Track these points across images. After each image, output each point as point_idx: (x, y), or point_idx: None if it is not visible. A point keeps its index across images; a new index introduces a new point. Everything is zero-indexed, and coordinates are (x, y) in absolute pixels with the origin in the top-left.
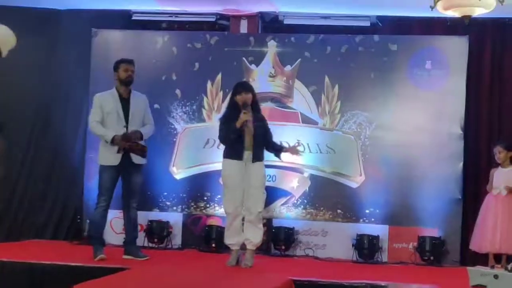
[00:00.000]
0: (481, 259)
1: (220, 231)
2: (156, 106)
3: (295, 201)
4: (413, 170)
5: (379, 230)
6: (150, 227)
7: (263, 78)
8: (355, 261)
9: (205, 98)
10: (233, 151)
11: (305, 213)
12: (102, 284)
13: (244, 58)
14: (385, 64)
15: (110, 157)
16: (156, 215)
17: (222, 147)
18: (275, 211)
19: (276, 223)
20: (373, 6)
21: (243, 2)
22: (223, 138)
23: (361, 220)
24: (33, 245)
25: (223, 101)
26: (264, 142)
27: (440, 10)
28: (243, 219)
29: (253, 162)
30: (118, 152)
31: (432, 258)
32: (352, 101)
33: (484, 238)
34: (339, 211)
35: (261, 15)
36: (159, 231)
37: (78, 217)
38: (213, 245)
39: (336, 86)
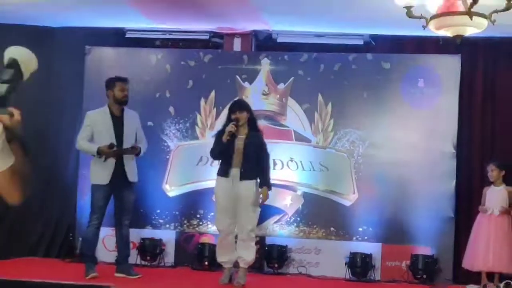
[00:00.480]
0: (473, 277)
1: (213, 249)
2: (149, 123)
3: (288, 219)
4: (406, 188)
5: (372, 248)
6: (143, 245)
7: (256, 96)
8: (348, 279)
9: (198, 116)
10: (221, 168)
11: (298, 231)
12: None
13: (237, 76)
14: (378, 82)
15: (102, 175)
16: (148, 232)
17: (215, 164)
18: (268, 228)
19: (269, 241)
20: (366, 25)
21: (237, 20)
22: (210, 152)
23: (354, 238)
24: (26, 263)
25: (216, 118)
26: (257, 160)
27: (433, 30)
28: (236, 237)
29: (241, 180)
30: (105, 160)
31: (425, 276)
32: (345, 119)
33: (477, 257)
34: (332, 229)
35: (255, 33)
36: (151, 248)
37: (71, 234)
38: (206, 263)
39: (329, 104)
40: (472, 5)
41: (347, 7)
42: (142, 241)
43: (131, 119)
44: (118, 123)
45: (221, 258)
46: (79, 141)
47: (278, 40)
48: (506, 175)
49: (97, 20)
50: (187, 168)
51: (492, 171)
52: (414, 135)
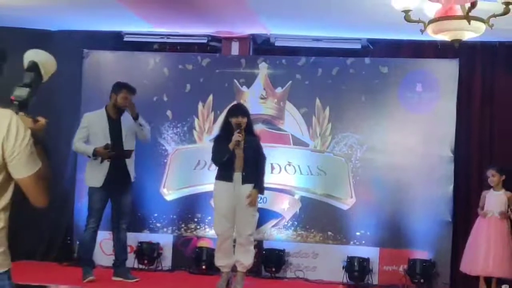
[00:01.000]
0: (471, 281)
1: (211, 253)
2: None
3: (286, 223)
4: (404, 193)
5: (370, 252)
6: (140, 249)
7: (254, 100)
8: (345, 283)
9: (196, 120)
10: (223, 173)
11: (296, 235)
12: None
13: (235, 80)
14: (376, 86)
15: (96, 178)
16: (146, 236)
17: (213, 168)
18: (266, 233)
19: (266, 245)
20: (364, 29)
21: (235, 24)
22: (215, 159)
23: (352, 242)
24: (23, 267)
25: (214, 122)
26: (255, 164)
27: (431, 34)
28: (234, 241)
29: (243, 184)
30: (102, 162)
31: (422, 280)
32: (343, 123)
33: (476, 261)
34: (329, 233)
35: (253, 37)
36: (149, 252)
37: (68, 238)
38: (204, 267)
39: (327, 108)
40: (470, 9)
41: (345, 11)
42: (139, 244)
43: (129, 121)
44: (114, 125)
45: (219, 262)
46: (75, 143)
47: (276, 44)
48: (506, 180)
49: (95, 24)
50: (185, 172)
51: (493, 176)
52: (412, 139)
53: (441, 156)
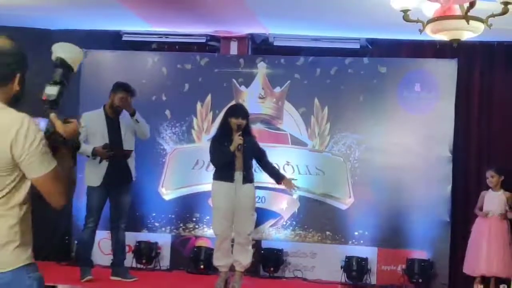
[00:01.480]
0: (469, 282)
1: (209, 252)
2: None
3: (284, 223)
4: (402, 193)
5: (368, 252)
6: (139, 248)
7: (252, 99)
8: (343, 283)
9: (194, 119)
10: (223, 173)
11: (294, 235)
12: None
13: (234, 80)
14: (374, 86)
15: (95, 177)
16: (144, 236)
17: (211, 168)
18: (264, 232)
19: (265, 244)
20: (363, 29)
21: (233, 23)
22: (215, 161)
23: (350, 242)
24: None
25: (212, 122)
26: (258, 163)
27: (429, 34)
28: (232, 241)
29: (243, 183)
30: (100, 162)
31: (420, 280)
32: (342, 123)
33: (478, 262)
34: (328, 233)
35: (251, 36)
36: (147, 252)
37: (66, 237)
38: (202, 266)
39: (326, 108)
40: (468, 9)
41: (343, 11)
42: (137, 244)
43: (127, 120)
44: (113, 125)
45: (217, 262)
46: None
47: (275, 44)
48: (504, 180)
49: (94, 23)
50: (183, 171)
51: (492, 177)
52: (410, 139)
53: (440, 156)
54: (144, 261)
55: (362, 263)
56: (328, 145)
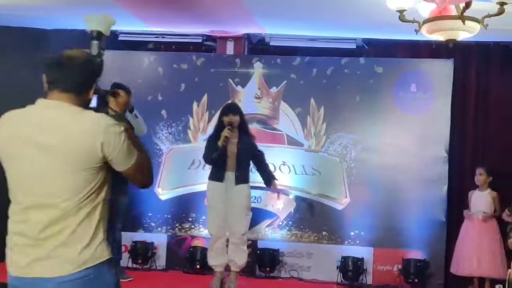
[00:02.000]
0: (464, 281)
1: (205, 252)
2: None
3: (280, 223)
4: (398, 193)
5: (364, 252)
6: (135, 248)
7: (249, 99)
8: (339, 283)
9: (191, 119)
10: (214, 173)
11: (290, 235)
12: None
13: (230, 80)
14: (370, 86)
15: None
16: (140, 235)
17: (207, 168)
18: (260, 232)
19: (261, 244)
20: (359, 29)
21: (230, 23)
22: (205, 157)
23: (346, 242)
24: None
25: (209, 122)
26: (253, 163)
27: (425, 34)
28: (228, 241)
29: (236, 184)
30: None
31: (416, 280)
32: (338, 123)
33: (462, 261)
34: (324, 233)
35: (248, 36)
36: (143, 252)
37: None
38: (198, 266)
39: (322, 108)
40: (464, 9)
41: (340, 11)
42: (133, 244)
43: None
44: None
45: (212, 261)
46: None
47: (271, 44)
48: (493, 181)
49: None
50: (179, 171)
51: (481, 175)
52: (406, 140)
53: (436, 156)
54: (140, 261)
55: (358, 263)
56: (324, 145)
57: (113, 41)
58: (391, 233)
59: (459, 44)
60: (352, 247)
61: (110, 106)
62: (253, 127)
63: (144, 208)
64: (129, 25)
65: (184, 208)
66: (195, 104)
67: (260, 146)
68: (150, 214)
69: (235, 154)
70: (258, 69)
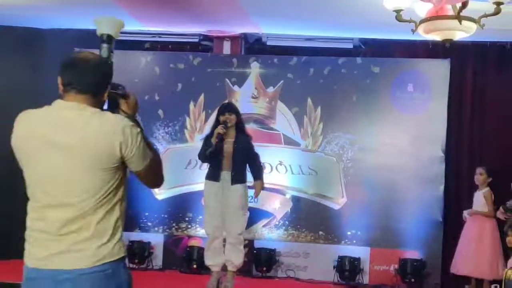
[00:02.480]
0: (461, 281)
1: (202, 252)
2: None
3: (277, 223)
4: (395, 193)
5: (361, 252)
6: (131, 248)
7: (245, 99)
8: (336, 282)
9: (187, 119)
10: (211, 172)
11: (287, 235)
12: None
13: (227, 79)
14: (367, 86)
15: None
16: (137, 235)
17: (204, 167)
18: (257, 232)
19: (257, 244)
20: (356, 29)
21: (226, 23)
22: (199, 154)
23: (343, 242)
24: (19, 265)
25: (205, 122)
26: (247, 163)
27: (422, 34)
28: (224, 240)
29: (232, 183)
30: None
31: (413, 280)
32: (335, 123)
33: (459, 261)
34: (320, 232)
35: (245, 36)
36: (140, 251)
37: None
38: (194, 266)
39: (319, 108)
40: (461, 9)
41: (337, 11)
42: (130, 244)
43: None
44: None
45: (208, 261)
46: None
47: (268, 43)
48: (492, 181)
49: (86, 22)
50: (176, 171)
51: (481, 175)
52: (403, 139)
53: (432, 156)
54: (136, 260)
55: (354, 263)
56: (321, 145)
57: None
58: (388, 233)
59: (456, 44)
60: (348, 247)
61: (122, 108)
62: (250, 127)
63: (140, 207)
64: (125, 24)
65: (181, 207)
66: (191, 104)
67: (257, 146)
68: (146, 213)
69: (231, 153)
70: (255, 68)
